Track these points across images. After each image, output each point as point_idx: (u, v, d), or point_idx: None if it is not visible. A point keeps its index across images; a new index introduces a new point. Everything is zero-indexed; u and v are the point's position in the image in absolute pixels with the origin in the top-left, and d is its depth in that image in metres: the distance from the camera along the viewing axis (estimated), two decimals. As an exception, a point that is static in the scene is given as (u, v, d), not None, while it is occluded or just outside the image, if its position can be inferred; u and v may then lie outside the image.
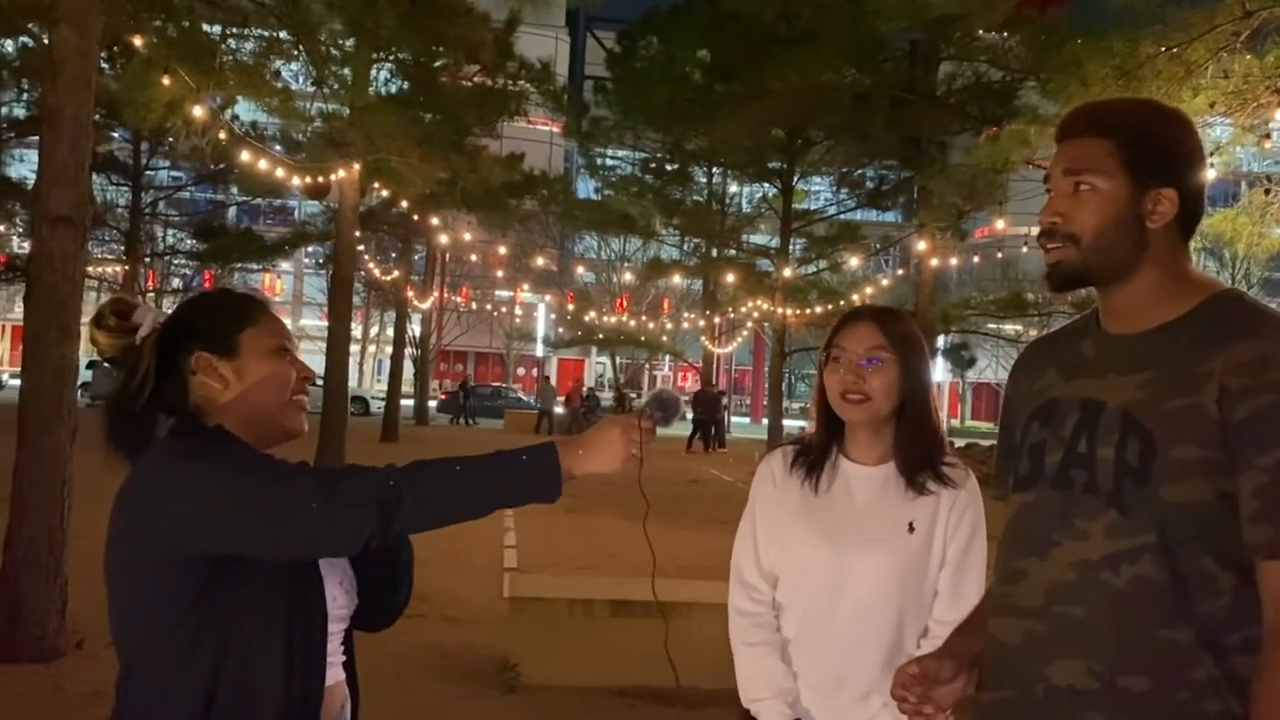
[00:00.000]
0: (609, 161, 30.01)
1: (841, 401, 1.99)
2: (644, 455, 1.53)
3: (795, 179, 23.40)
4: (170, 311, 1.66)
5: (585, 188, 34.01)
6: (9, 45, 20.28)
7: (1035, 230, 1.63)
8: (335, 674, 1.65)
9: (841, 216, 25.16)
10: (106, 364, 1.61)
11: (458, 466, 1.47)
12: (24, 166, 26.58)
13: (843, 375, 1.99)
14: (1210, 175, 13.32)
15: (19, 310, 37.92)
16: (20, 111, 22.32)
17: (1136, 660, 1.42)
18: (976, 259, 25.89)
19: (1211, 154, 13.09)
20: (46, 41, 5.75)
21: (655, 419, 1.55)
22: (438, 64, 17.92)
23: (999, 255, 24.94)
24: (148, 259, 27.86)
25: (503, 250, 28.61)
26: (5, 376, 34.64)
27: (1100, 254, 1.51)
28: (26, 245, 24.88)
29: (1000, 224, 18.02)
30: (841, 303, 22.17)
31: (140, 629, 1.52)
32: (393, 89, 18.83)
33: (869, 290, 23.76)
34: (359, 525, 1.43)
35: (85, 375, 20.62)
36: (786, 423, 24.21)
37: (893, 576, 1.95)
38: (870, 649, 1.96)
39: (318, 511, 1.42)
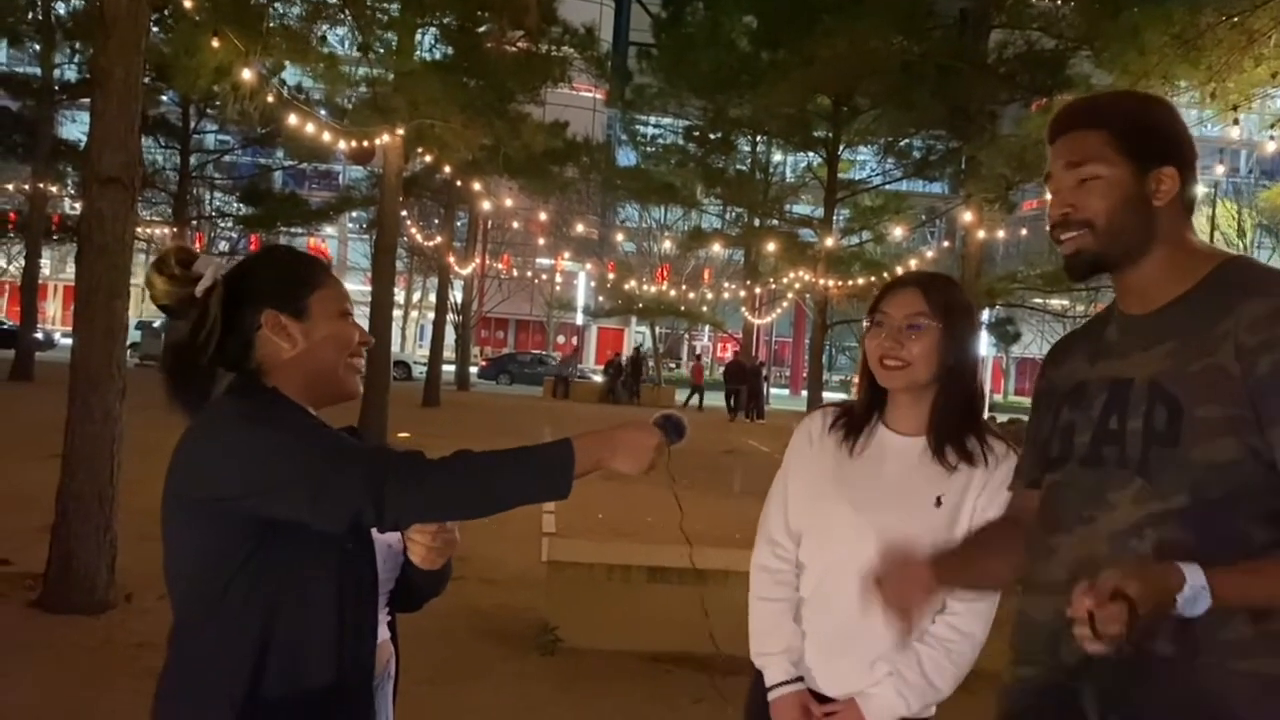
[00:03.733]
0: (652, 130, 29.84)
1: (879, 367, 1.98)
2: (669, 470, 1.58)
3: (840, 148, 23.11)
4: (233, 265, 1.67)
5: (627, 155, 33.87)
6: (62, 7, 20.56)
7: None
8: (382, 632, 1.68)
9: (887, 187, 24.85)
10: (161, 310, 1.63)
11: (485, 464, 1.48)
12: (75, 128, 27.01)
13: (882, 340, 1.97)
14: (1270, 148, 13.01)
15: (70, 270, 38.70)
16: (71, 74, 22.62)
17: (1164, 626, 1.42)
18: (1024, 232, 25.42)
19: (1272, 125, 12.75)
20: (98, 3, 5.80)
21: (670, 441, 1.58)
22: (482, 29, 17.87)
23: (1047, 228, 24.44)
24: (195, 222, 28.22)
25: (544, 217, 28.61)
26: (57, 335, 35.33)
27: (1114, 236, 1.56)
28: (78, 206, 25.32)
29: (1049, 196, 17.66)
30: (885, 274, 21.95)
31: (194, 583, 1.55)
32: (437, 54, 18.82)
33: (913, 262, 23.48)
34: (397, 509, 1.47)
35: (134, 335, 21.00)
36: (826, 395, 24.10)
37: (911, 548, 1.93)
38: (881, 618, 1.93)
39: (364, 490, 1.44)
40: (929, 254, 25.61)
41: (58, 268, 39.96)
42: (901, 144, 24.10)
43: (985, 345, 42.25)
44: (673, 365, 47.84)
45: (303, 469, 1.46)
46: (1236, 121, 10.94)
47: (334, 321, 1.64)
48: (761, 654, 2.03)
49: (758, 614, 2.06)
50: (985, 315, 22.07)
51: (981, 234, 17.38)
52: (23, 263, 23.17)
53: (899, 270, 21.85)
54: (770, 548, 2.07)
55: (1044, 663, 1.55)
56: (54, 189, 23.46)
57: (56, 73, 21.90)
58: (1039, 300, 21.90)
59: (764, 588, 2.06)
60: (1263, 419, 1.41)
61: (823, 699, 1.98)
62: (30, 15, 20.90)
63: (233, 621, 1.50)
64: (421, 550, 1.67)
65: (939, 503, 1.94)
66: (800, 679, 1.99)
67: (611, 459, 1.53)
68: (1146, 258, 1.57)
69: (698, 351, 43.01)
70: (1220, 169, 38.39)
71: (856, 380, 2.13)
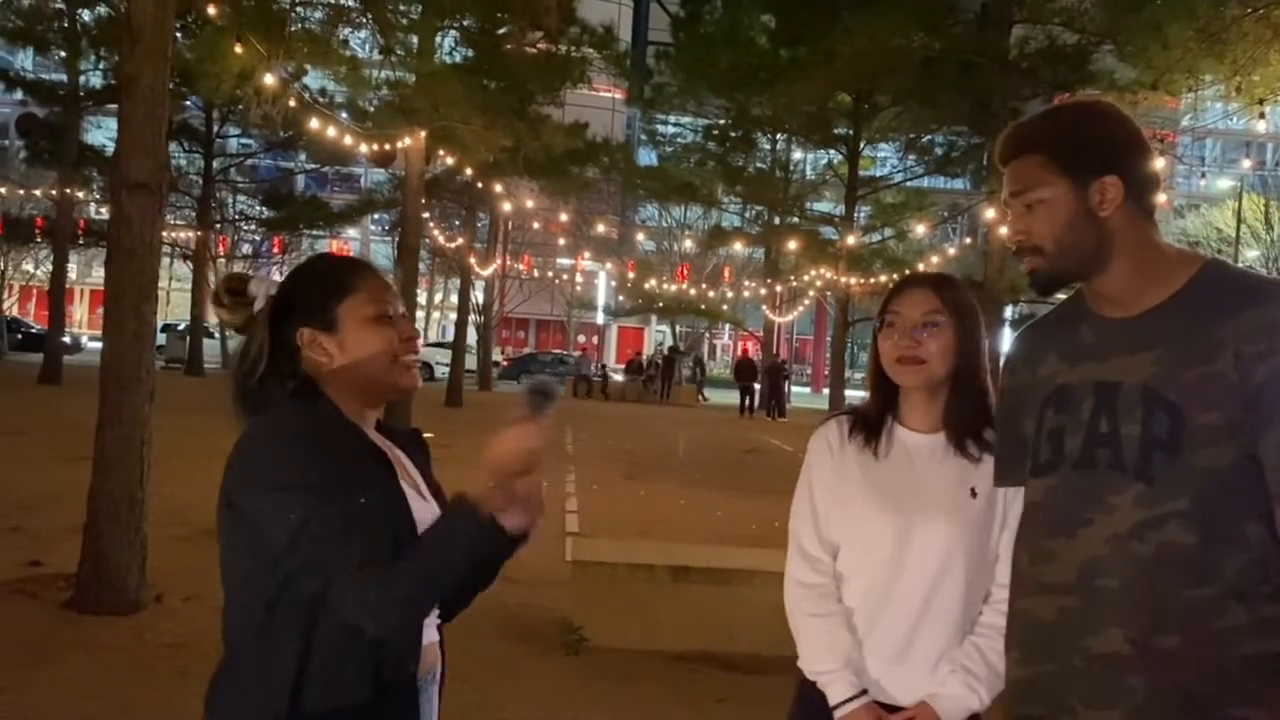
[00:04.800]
0: (671, 129, 29.86)
1: (896, 366, 1.98)
2: (543, 428, 1.50)
3: (861, 145, 23.07)
4: (280, 282, 1.69)
5: (647, 155, 33.89)
6: (87, 14, 20.77)
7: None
8: (430, 635, 1.68)
9: (908, 183, 24.77)
10: (237, 332, 1.66)
11: (428, 564, 1.48)
12: (100, 134, 27.29)
13: (898, 340, 1.97)
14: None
15: (95, 274, 38.91)
16: (97, 80, 22.84)
17: (1167, 621, 1.49)
18: (1047, 227, 25.28)
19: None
20: (124, 11, 5.87)
21: (534, 405, 1.51)
22: (502, 31, 17.94)
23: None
24: (218, 225, 28.46)
25: (564, 218, 28.67)
26: (85, 339, 35.71)
27: (1066, 255, 1.61)
28: (103, 211, 25.59)
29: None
30: (906, 271, 21.87)
31: (241, 585, 1.57)
32: (458, 57, 18.91)
33: (935, 259, 23.38)
34: (363, 613, 1.46)
35: (159, 338, 21.21)
36: (849, 393, 24.03)
37: (958, 542, 1.93)
38: (938, 616, 1.94)
39: (348, 582, 1.44)
40: (951, 251, 25.50)
41: (84, 272, 40.39)
42: (923, 140, 24.02)
43: (1009, 341, 41.81)
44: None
45: (309, 540, 1.47)
46: (1263, 115, 10.84)
47: (367, 328, 1.63)
48: (820, 672, 1.98)
49: (808, 631, 2.01)
50: (1009, 312, 21.93)
51: (1004, 230, 17.27)
52: (50, 267, 23.42)
53: (921, 267, 21.77)
54: (807, 562, 2.03)
55: (1053, 661, 1.59)
56: (80, 194, 23.70)
57: (82, 79, 22.12)
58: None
59: (809, 604, 2.01)
60: (1258, 423, 1.46)
61: (889, 708, 1.96)
62: (56, 23, 21.13)
63: (276, 633, 1.52)
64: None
65: (974, 493, 1.94)
66: (865, 691, 1.96)
67: (505, 492, 1.48)
68: (1109, 266, 1.60)
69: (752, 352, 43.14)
70: (1247, 163, 38.01)
71: (868, 382, 2.11)
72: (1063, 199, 1.59)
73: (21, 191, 27.58)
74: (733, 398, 30.55)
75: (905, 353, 1.96)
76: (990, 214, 17.17)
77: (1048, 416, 1.64)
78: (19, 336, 33.35)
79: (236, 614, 1.57)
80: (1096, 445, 1.56)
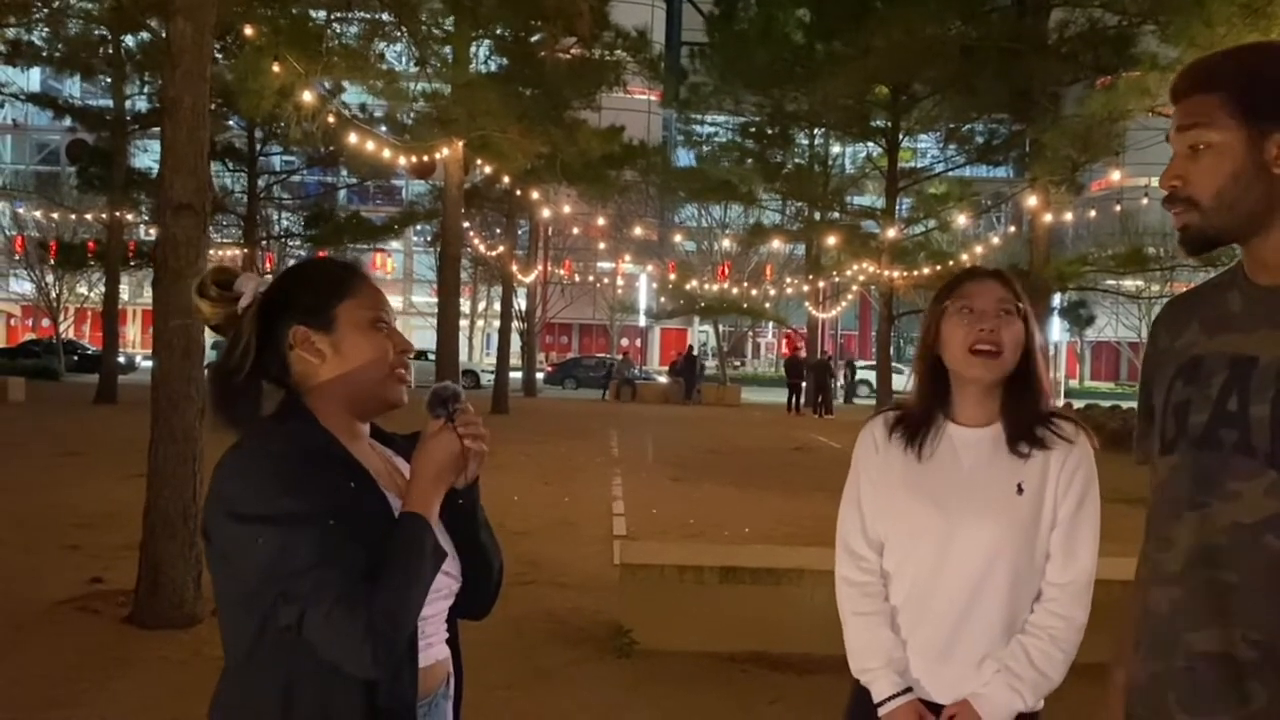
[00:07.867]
0: (708, 128, 29.80)
1: (969, 357, 1.91)
2: (468, 434, 1.57)
3: (901, 137, 22.85)
4: (271, 280, 1.63)
5: (685, 156, 33.86)
6: (131, 40, 21.20)
7: (1156, 181, 1.55)
8: (435, 654, 1.62)
9: (950, 173, 24.49)
10: (213, 331, 1.61)
11: (400, 583, 1.46)
12: (148, 157, 27.81)
13: (975, 327, 1.91)
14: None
15: (147, 295, 39.39)
16: (143, 104, 23.28)
17: None
18: (1093, 213, 24.87)
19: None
20: (165, 35, 5.97)
21: (438, 415, 1.57)
22: (535, 38, 18.04)
23: (1117, 208, 23.84)
24: (264, 242, 28.86)
25: (603, 222, 28.74)
26: (139, 359, 36.43)
27: (1224, 212, 1.43)
28: (152, 233, 26.05)
29: (1117, 176, 17.31)
30: (950, 263, 21.64)
31: (229, 612, 1.53)
32: (492, 66, 19.04)
33: (979, 249, 23.10)
34: (337, 649, 1.43)
35: (209, 355, 21.60)
36: (896, 383, 23.82)
37: (1004, 541, 1.89)
38: (982, 615, 1.91)
39: (326, 617, 1.41)
40: (995, 240, 25.19)
41: (135, 292, 41.14)
42: (963, 129, 23.74)
43: (1059, 330, 41.22)
44: (737, 364, 47.62)
45: (289, 578, 1.43)
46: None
47: (363, 332, 1.57)
48: (865, 669, 1.98)
49: (853, 629, 2.01)
50: (1056, 300, 21.60)
51: (1049, 217, 17.05)
52: (103, 289, 23.91)
53: (965, 258, 21.51)
54: (853, 560, 2.02)
55: (1163, 658, 1.46)
56: (129, 217, 24.18)
57: (128, 104, 22.56)
58: (1112, 282, 21.36)
59: (854, 602, 2.01)
60: None
61: (933, 707, 1.94)
62: (101, 50, 21.59)
63: (262, 662, 1.48)
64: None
65: (1020, 490, 1.90)
66: (909, 689, 1.95)
67: (431, 496, 1.52)
68: (1272, 228, 1.43)
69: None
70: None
71: (915, 375, 2.06)
72: (1233, 146, 1.41)
73: (74, 216, 28.21)
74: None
75: (983, 340, 1.90)
76: (1033, 201, 16.93)
77: (1176, 388, 1.49)
78: (75, 358, 34.16)
79: (229, 638, 1.53)
80: (1222, 424, 1.41)
